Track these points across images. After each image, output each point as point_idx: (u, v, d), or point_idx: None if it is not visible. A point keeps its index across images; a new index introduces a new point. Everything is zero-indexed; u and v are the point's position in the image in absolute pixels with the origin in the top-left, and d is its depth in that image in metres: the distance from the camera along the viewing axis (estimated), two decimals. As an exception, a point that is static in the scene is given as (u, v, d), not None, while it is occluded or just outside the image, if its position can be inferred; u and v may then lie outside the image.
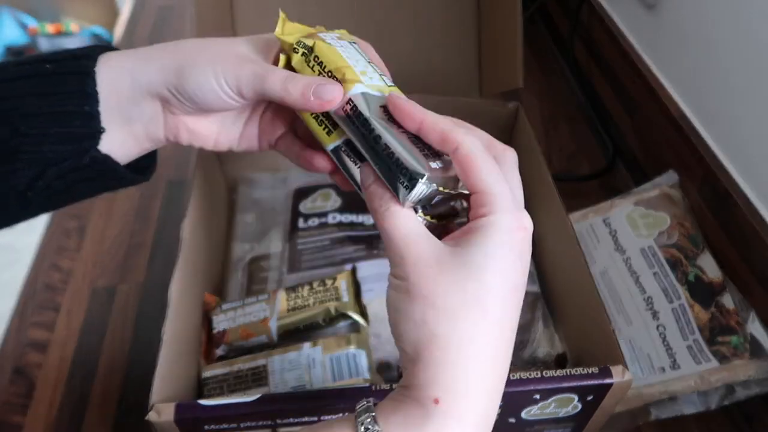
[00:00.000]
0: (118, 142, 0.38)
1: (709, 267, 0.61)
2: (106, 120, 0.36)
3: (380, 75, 0.38)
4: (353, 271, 0.58)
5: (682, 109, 0.71)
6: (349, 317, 0.54)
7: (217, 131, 0.41)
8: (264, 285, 0.62)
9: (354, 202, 0.67)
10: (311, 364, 0.51)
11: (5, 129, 0.35)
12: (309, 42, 0.37)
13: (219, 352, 0.55)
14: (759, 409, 0.57)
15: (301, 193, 0.68)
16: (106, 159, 0.37)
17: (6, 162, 0.35)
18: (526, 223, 0.31)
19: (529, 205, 0.66)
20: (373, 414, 0.29)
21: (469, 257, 0.29)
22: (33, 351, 0.64)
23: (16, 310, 0.68)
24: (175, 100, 0.37)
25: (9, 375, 0.62)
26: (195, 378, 0.53)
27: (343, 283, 0.56)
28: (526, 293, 0.59)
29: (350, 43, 0.39)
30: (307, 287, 0.56)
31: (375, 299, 0.57)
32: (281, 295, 0.56)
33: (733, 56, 0.63)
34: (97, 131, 0.36)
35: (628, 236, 0.66)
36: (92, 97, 0.36)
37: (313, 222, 0.65)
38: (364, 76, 0.36)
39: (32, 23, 2.15)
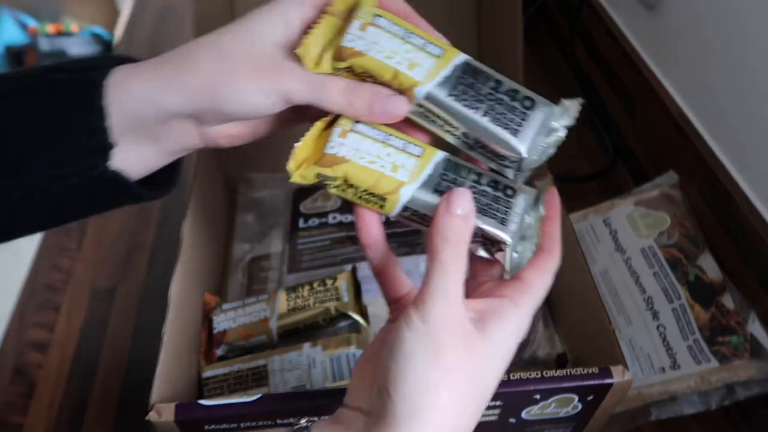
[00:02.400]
0: (135, 158, 0.34)
1: (709, 267, 0.61)
2: (119, 134, 0.33)
3: (422, 48, 0.33)
4: (353, 271, 0.58)
5: (682, 109, 0.71)
6: (350, 317, 0.54)
7: (254, 128, 0.38)
8: (264, 285, 0.62)
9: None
10: (311, 364, 0.51)
11: (6, 145, 0.33)
12: (343, 65, 0.33)
13: (219, 352, 0.54)
14: (759, 409, 0.57)
15: (302, 193, 0.68)
16: (116, 176, 0.34)
17: (7, 180, 0.33)
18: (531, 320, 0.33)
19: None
20: None
21: (492, 350, 0.31)
22: (33, 351, 0.64)
23: (16, 310, 0.68)
24: (210, 119, 0.34)
25: (9, 375, 0.62)
26: (195, 378, 0.53)
27: (343, 283, 0.56)
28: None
29: (375, 21, 0.33)
30: (307, 287, 0.56)
31: (375, 299, 0.57)
32: (281, 295, 0.56)
33: (733, 56, 0.63)
34: (105, 147, 0.33)
35: (628, 236, 0.66)
36: (99, 112, 0.32)
37: (314, 222, 0.65)
38: (414, 69, 0.33)
39: (32, 23, 2.15)
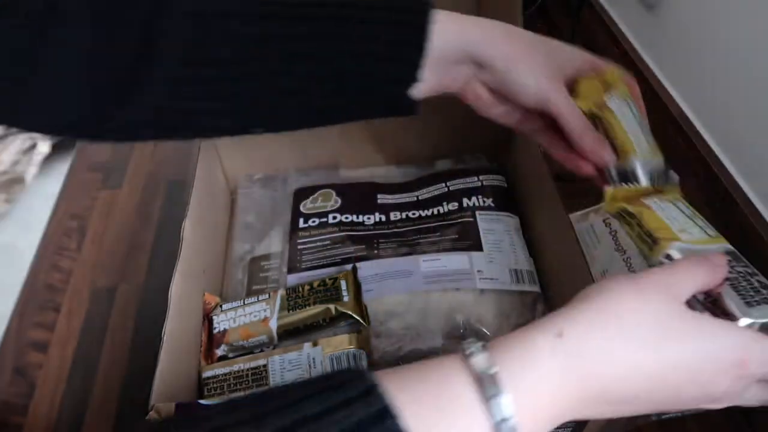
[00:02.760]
0: (420, 88, 0.41)
1: None
2: (425, 71, 0.40)
3: (645, 134, 0.45)
4: (354, 271, 0.58)
5: (683, 108, 0.71)
6: (350, 317, 0.54)
7: (492, 104, 0.45)
8: (264, 285, 0.62)
9: (354, 202, 0.67)
10: (312, 364, 0.51)
11: (336, 66, 0.39)
12: (596, 111, 0.44)
13: (219, 352, 0.54)
14: (759, 410, 0.57)
15: (302, 193, 0.68)
16: (411, 103, 0.41)
17: (331, 95, 0.40)
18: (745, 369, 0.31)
19: (530, 205, 0.66)
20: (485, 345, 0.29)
21: (692, 338, 0.30)
22: (33, 351, 0.64)
23: (16, 310, 0.68)
24: (489, 74, 0.42)
25: (9, 375, 0.62)
26: (195, 378, 0.53)
27: (343, 283, 0.56)
28: (527, 293, 0.59)
29: (627, 103, 0.46)
30: (307, 287, 0.56)
31: (375, 299, 0.57)
32: (281, 295, 0.56)
33: (733, 56, 0.63)
34: (415, 80, 0.40)
35: (628, 236, 0.66)
36: (424, 51, 0.39)
37: (314, 222, 0.65)
38: (635, 144, 0.44)
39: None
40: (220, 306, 0.57)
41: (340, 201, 0.67)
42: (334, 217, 0.65)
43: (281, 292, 0.57)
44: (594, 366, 0.28)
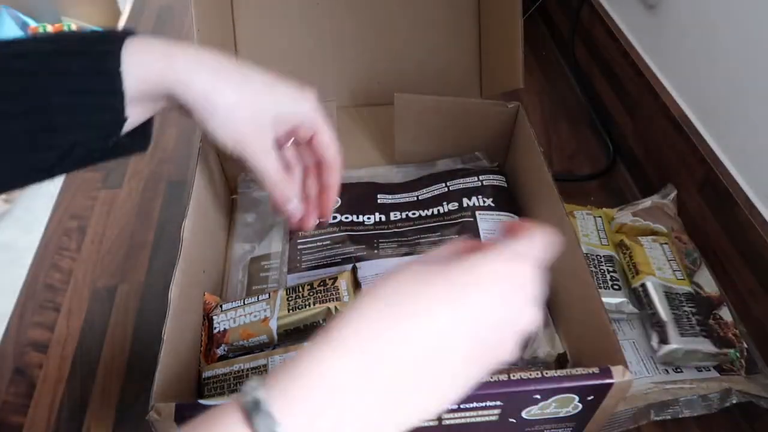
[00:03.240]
0: (135, 119, 0.41)
1: (706, 283, 0.62)
2: (129, 106, 0.39)
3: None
4: (354, 271, 0.58)
5: (683, 109, 0.71)
6: (350, 317, 0.54)
7: None
8: (264, 285, 0.62)
9: (354, 202, 0.67)
10: (311, 364, 0.51)
11: (39, 117, 0.37)
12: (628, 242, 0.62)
13: (219, 351, 0.54)
14: (760, 410, 0.57)
15: (302, 193, 0.68)
16: (127, 142, 0.41)
17: (38, 147, 0.38)
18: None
19: (530, 205, 0.66)
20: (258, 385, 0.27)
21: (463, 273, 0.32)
22: (33, 351, 0.64)
23: (16, 310, 0.68)
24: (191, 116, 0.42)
25: (9, 375, 0.62)
26: (195, 378, 0.53)
27: (343, 282, 0.56)
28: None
29: (660, 246, 0.62)
30: (307, 287, 0.56)
31: (375, 299, 0.57)
32: (282, 295, 0.56)
33: (733, 56, 0.63)
34: (122, 121, 0.39)
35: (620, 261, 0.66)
36: (120, 95, 0.38)
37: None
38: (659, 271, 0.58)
39: (32, 23, 2.14)
40: (220, 306, 0.57)
41: (340, 201, 0.67)
42: (334, 217, 0.65)
43: (281, 292, 0.57)
44: (347, 355, 0.26)
